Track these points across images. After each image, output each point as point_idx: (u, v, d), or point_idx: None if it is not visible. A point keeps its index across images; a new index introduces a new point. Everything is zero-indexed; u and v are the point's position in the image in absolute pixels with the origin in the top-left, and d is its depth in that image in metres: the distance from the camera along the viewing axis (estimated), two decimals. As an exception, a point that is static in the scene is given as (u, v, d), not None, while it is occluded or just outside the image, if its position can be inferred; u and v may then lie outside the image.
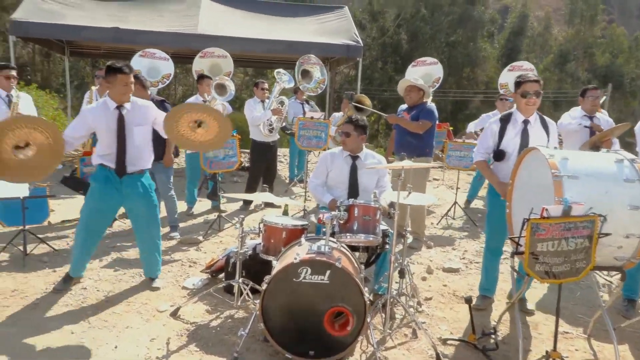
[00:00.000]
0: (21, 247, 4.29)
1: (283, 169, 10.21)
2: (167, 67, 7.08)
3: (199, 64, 7.58)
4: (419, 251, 5.19)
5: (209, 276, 4.12)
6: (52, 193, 4.72)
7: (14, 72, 5.19)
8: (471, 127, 7.89)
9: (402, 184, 3.20)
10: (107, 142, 3.55)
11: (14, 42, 8.61)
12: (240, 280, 3.45)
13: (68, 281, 3.73)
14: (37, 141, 3.13)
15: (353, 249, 3.35)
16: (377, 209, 3.27)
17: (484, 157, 3.70)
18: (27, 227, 4.30)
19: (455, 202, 6.68)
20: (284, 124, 6.65)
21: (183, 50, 10.14)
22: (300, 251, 2.95)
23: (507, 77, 7.69)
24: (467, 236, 5.91)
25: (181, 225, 5.61)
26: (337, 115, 7.13)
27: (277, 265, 3.03)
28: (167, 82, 7.15)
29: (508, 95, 6.96)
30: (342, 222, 3.25)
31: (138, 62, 6.82)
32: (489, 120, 3.80)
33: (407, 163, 3.36)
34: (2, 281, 3.80)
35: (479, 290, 3.87)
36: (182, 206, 6.29)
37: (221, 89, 5.94)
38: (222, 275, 4.04)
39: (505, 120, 3.58)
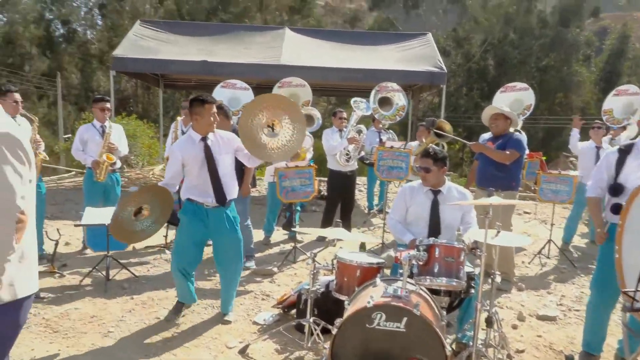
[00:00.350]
0: (104, 272, 4.43)
1: (362, 199, 10.01)
2: (247, 96, 7.23)
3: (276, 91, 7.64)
4: (508, 294, 4.71)
5: (281, 312, 3.98)
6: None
7: (108, 105, 5.51)
8: None
9: (490, 222, 2.87)
10: (195, 174, 3.59)
11: (114, 76, 9.30)
12: (312, 320, 3.26)
13: (179, 309, 3.83)
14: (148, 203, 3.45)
15: (434, 292, 3.05)
16: (461, 250, 2.96)
17: (597, 193, 3.27)
18: (111, 252, 4.45)
19: (550, 240, 6.07)
20: (362, 153, 6.48)
21: (267, 80, 10.42)
22: (374, 293, 2.71)
23: (612, 103, 6.99)
24: (564, 279, 5.30)
25: (257, 254, 5.57)
26: (414, 145, 6.84)
27: (350, 308, 2.81)
28: None
29: (612, 122, 6.30)
30: (421, 263, 2.97)
31: (220, 93, 7.03)
32: (607, 151, 3.37)
33: (495, 199, 3.03)
34: (83, 306, 3.92)
35: (582, 346, 3.37)
36: (260, 234, 6.30)
37: (308, 120, 5.94)
38: (294, 311, 3.89)
39: (625, 151, 3.14)
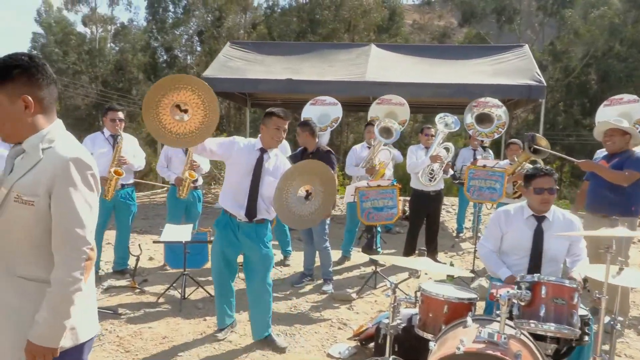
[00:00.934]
0: (180, 291, 4.37)
1: (450, 220, 9.41)
2: (336, 111, 7.09)
3: (376, 111, 7.35)
4: (624, 338, 4.00)
5: (358, 344, 3.64)
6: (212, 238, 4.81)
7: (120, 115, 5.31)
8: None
9: (613, 257, 2.36)
10: (236, 179, 3.44)
11: (203, 96, 9.59)
12: (391, 359, 2.89)
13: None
14: (193, 105, 2.98)
15: (537, 337, 2.56)
16: (573, 291, 2.45)
17: None
18: (187, 271, 4.39)
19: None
20: (450, 172, 6.00)
21: (352, 98, 10.27)
22: (465, 336, 2.30)
23: None
24: (698, 324, 4.43)
25: (335, 277, 5.28)
26: (503, 164, 6.23)
27: (436, 351, 2.42)
28: (335, 125, 7.15)
29: None
30: (523, 303, 2.50)
31: (309, 111, 6.93)
32: None
33: (623, 231, 2.50)
34: (157, 325, 3.86)
35: None
36: (338, 253, 6.03)
37: (387, 132, 5.62)
38: (372, 344, 3.53)
39: None
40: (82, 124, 32.86)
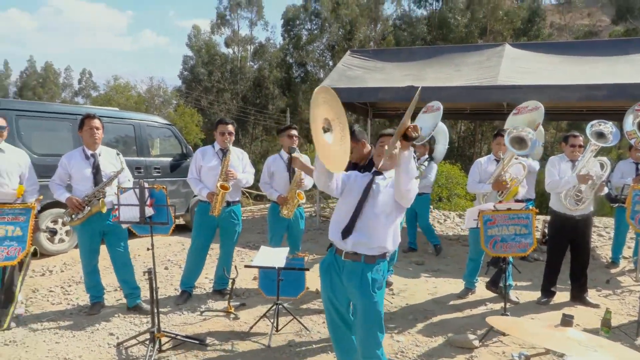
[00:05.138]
0: (273, 321, 3.96)
1: (603, 246, 7.88)
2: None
3: (513, 122, 6.33)
4: None
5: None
6: (308, 266, 4.35)
7: (294, 132, 5.18)
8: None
9: None
10: (344, 201, 2.81)
11: (321, 107, 9.31)
12: None
13: None
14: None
15: None
16: None
17: None
18: (280, 300, 3.97)
19: None
20: (605, 190, 4.81)
21: (482, 104, 9.25)
22: None
23: None
24: None
25: (453, 314, 4.49)
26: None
27: None
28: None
29: None
30: None
31: (422, 120, 6.20)
32: None
33: None
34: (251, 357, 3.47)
35: None
36: (456, 286, 5.21)
37: (520, 143, 4.68)
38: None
39: None
40: (222, 138, 35.36)
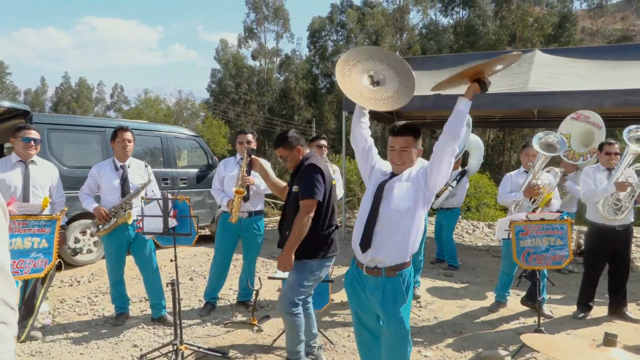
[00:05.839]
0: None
1: (643, 259, 7.53)
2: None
3: (568, 127, 6.13)
4: None
5: None
6: (333, 277, 4.25)
7: (324, 142, 5.19)
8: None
9: None
10: (364, 203, 2.69)
11: (345, 117, 9.25)
12: None
13: None
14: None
15: None
16: None
17: None
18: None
19: None
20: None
21: (512, 112, 9.03)
22: None
23: None
24: None
25: (484, 330, 4.31)
26: None
27: None
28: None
29: None
30: None
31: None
32: None
33: None
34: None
35: None
36: (484, 299, 5.01)
37: (549, 147, 4.52)
38: None
39: None
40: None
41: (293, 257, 3.16)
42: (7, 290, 1.06)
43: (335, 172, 5.04)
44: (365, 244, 2.56)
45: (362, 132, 2.80)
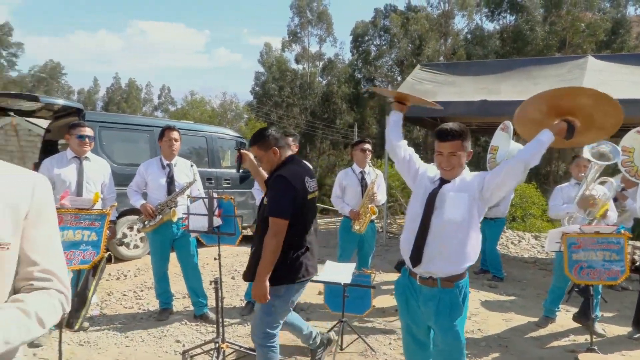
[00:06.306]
0: (337, 338, 3.84)
1: None
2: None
3: (633, 140, 5.75)
4: None
5: None
6: (375, 283, 4.18)
7: (368, 145, 5.13)
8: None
9: None
10: (412, 213, 2.59)
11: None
12: None
13: None
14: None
15: None
16: None
17: None
18: (345, 317, 3.84)
19: None
20: None
21: (562, 120, 8.66)
22: None
23: None
24: None
25: (532, 347, 4.14)
26: None
27: None
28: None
29: None
30: None
31: (499, 137, 5.88)
32: None
33: None
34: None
35: None
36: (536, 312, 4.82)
37: (602, 156, 4.31)
38: None
39: None
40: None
41: (267, 284, 2.73)
42: (65, 271, 1.22)
43: (378, 177, 4.99)
44: (416, 256, 2.48)
45: (399, 142, 2.75)
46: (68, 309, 1.22)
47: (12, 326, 1.06)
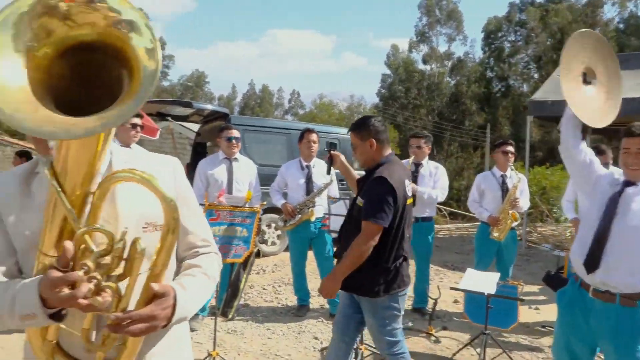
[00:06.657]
0: (480, 351, 3.63)
1: None
2: None
3: None
4: None
5: None
6: (522, 295, 3.86)
7: (511, 148, 4.81)
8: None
9: None
10: (592, 215, 2.32)
11: (531, 122, 8.51)
12: None
13: None
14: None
15: None
16: None
17: None
18: (489, 329, 3.62)
19: None
20: None
21: None
22: None
23: None
24: None
25: None
26: None
27: None
28: None
29: None
30: None
31: None
32: None
33: None
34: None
35: None
36: None
37: None
38: None
39: None
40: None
41: (339, 284, 2.59)
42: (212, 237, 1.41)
43: (521, 181, 4.65)
44: (592, 263, 2.23)
45: (577, 143, 2.43)
46: (221, 266, 1.41)
47: (203, 290, 1.28)
